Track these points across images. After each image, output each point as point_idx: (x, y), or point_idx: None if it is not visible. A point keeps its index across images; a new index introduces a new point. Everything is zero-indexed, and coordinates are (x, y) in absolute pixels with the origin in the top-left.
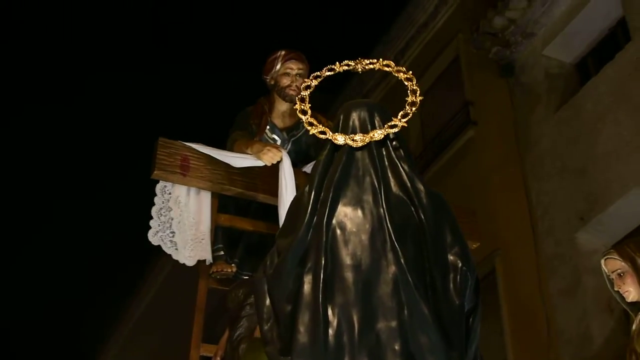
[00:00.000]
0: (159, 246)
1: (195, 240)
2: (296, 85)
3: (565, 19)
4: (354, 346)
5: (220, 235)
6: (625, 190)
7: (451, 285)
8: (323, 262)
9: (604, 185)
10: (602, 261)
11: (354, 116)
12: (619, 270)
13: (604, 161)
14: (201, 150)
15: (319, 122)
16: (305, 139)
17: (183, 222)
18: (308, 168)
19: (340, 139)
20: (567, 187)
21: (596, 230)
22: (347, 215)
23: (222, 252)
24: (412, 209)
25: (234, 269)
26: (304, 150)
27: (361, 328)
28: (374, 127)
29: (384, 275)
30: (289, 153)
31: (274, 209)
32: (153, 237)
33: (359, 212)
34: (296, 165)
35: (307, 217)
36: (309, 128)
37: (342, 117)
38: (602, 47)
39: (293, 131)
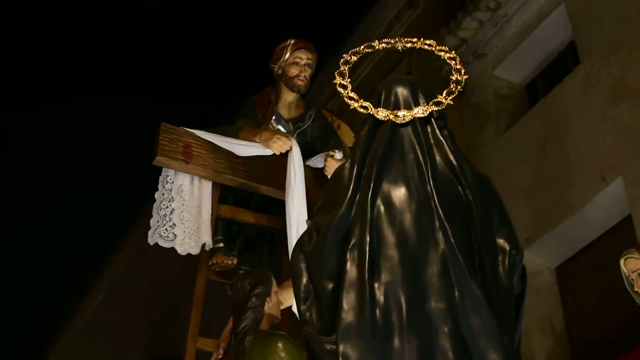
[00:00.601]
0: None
1: (199, 228)
2: (304, 76)
3: (516, 40)
4: (403, 326)
5: (220, 227)
6: (570, 212)
7: (500, 269)
8: (368, 239)
9: (549, 206)
10: (622, 261)
11: (396, 92)
12: (639, 270)
13: (550, 182)
14: (204, 137)
15: (324, 117)
16: (311, 131)
17: (187, 210)
18: (312, 162)
19: (382, 114)
20: (513, 207)
21: (541, 252)
22: (392, 192)
23: (221, 244)
24: (460, 188)
25: (234, 261)
26: (308, 142)
27: (409, 308)
28: (417, 104)
29: (432, 255)
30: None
31: (276, 204)
32: (151, 237)
33: (404, 190)
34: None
35: (349, 193)
36: (349, 102)
37: (383, 92)
38: (552, 69)
39: (299, 123)
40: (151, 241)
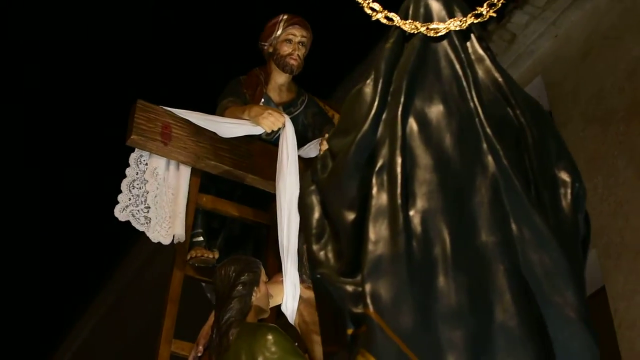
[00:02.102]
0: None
1: (174, 216)
2: (298, 55)
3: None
4: (447, 262)
5: (200, 220)
6: None
7: (562, 202)
8: (400, 160)
9: None
10: None
11: (427, 4)
12: None
13: None
14: (185, 117)
15: (318, 104)
16: (303, 118)
17: (160, 196)
18: (304, 151)
19: (410, 26)
20: None
21: None
22: (427, 108)
23: (201, 238)
24: (509, 109)
25: (216, 256)
26: (299, 130)
27: (454, 241)
28: (452, 17)
29: (480, 180)
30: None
31: (262, 198)
32: (121, 213)
33: (441, 106)
34: None
35: (374, 110)
36: (371, 14)
37: (412, 5)
38: None
39: (290, 108)
40: (121, 218)
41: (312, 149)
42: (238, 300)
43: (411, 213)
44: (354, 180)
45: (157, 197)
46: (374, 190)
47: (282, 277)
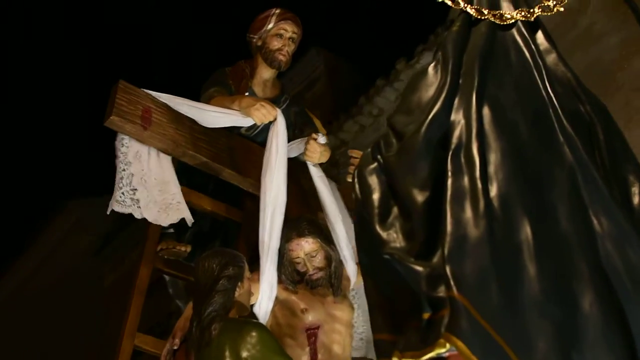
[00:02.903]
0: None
1: (163, 202)
2: (287, 51)
3: None
4: (530, 250)
5: None
6: None
7: (634, 202)
8: (477, 145)
9: None
10: None
11: None
12: None
13: None
14: (168, 102)
15: (303, 108)
16: (287, 116)
17: (145, 179)
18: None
19: (475, 12)
20: None
21: None
22: (500, 95)
23: (172, 230)
24: (580, 104)
25: (188, 249)
26: None
27: (535, 229)
28: (517, 7)
29: (557, 170)
30: (262, 131)
31: (233, 195)
32: (118, 192)
33: (514, 94)
34: None
35: (445, 91)
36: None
37: None
38: None
39: (274, 104)
40: (110, 206)
41: (295, 148)
42: (222, 295)
43: (491, 197)
44: (426, 160)
45: (142, 178)
46: (451, 172)
47: (258, 275)
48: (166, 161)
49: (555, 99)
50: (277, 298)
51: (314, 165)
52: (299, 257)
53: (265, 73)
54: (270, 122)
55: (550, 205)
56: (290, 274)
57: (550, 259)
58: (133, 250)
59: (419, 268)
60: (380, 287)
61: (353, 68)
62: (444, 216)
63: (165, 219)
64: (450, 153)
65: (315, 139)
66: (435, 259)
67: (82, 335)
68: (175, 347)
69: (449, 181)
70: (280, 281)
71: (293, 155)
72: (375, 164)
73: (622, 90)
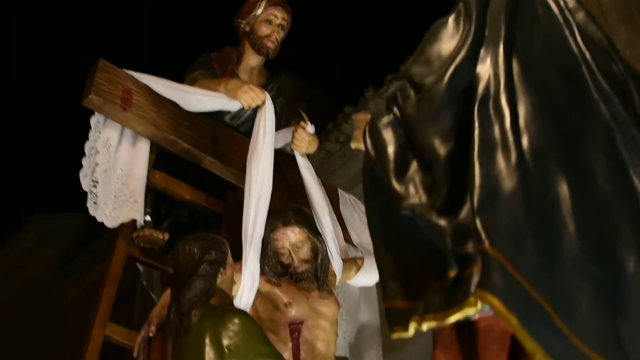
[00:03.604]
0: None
1: (121, 197)
2: (276, 37)
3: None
4: (567, 206)
5: (149, 199)
6: None
7: None
8: (505, 97)
9: None
10: None
11: None
12: None
13: None
14: (149, 83)
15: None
16: (274, 105)
17: (109, 172)
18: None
19: None
20: None
21: None
22: (529, 49)
23: (149, 218)
24: (613, 64)
25: (166, 237)
26: None
27: (572, 186)
28: None
29: (593, 126)
30: (246, 121)
31: (214, 185)
32: (83, 179)
33: (543, 49)
34: None
35: (469, 41)
36: None
37: None
38: None
39: None
40: (83, 184)
41: (282, 138)
42: (203, 280)
43: (523, 149)
44: (449, 110)
45: (105, 172)
46: (478, 124)
47: (240, 266)
48: (142, 148)
49: (589, 56)
50: (259, 291)
51: (301, 155)
52: (284, 248)
53: (252, 60)
54: (256, 111)
55: (587, 163)
56: (274, 266)
57: (590, 217)
58: (97, 265)
59: (444, 222)
60: (394, 251)
61: (321, 94)
62: (471, 168)
63: (114, 220)
64: (476, 104)
65: (303, 128)
66: (463, 214)
67: (43, 349)
68: (151, 335)
69: (477, 132)
70: (262, 273)
71: (279, 145)
72: (391, 117)
73: None
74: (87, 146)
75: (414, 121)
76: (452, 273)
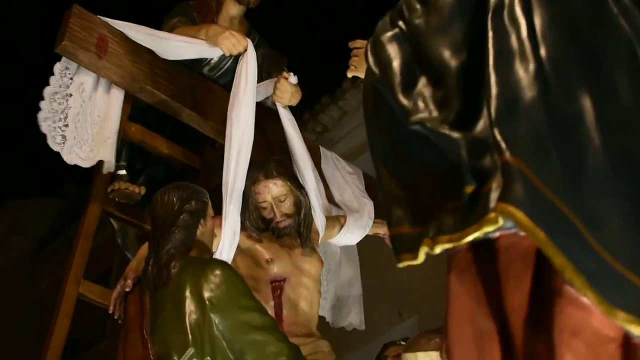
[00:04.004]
0: None
1: (98, 139)
2: None
3: None
4: (590, 119)
5: (124, 152)
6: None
7: None
8: (520, 6)
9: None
10: None
11: None
12: None
13: None
14: (125, 30)
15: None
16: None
17: (84, 115)
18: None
19: None
20: None
21: None
22: None
23: (124, 172)
24: None
25: (142, 192)
26: None
27: (595, 99)
28: None
29: (613, 41)
30: (226, 73)
31: (192, 141)
32: (43, 123)
33: None
34: None
35: None
36: None
37: None
38: None
39: None
40: (43, 128)
41: (261, 91)
42: (182, 230)
43: (542, 59)
44: (460, 21)
45: (79, 115)
46: (493, 33)
47: (220, 220)
48: (117, 97)
49: None
50: (239, 247)
51: (283, 107)
52: (265, 202)
53: (232, 9)
54: (236, 63)
55: (608, 77)
56: (255, 221)
57: (615, 131)
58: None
59: (458, 135)
60: (399, 175)
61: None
62: (487, 79)
63: (90, 160)
64: (490, 14)
65: (286, 78)
66: (479, 128)
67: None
68: (128, 289)
69: (491, 42)
70: (243, 228)
71: (260, 98)
72: (396, 31)
73: None
74: (48, 91)
75: (421, 34)
76: (469, 189)
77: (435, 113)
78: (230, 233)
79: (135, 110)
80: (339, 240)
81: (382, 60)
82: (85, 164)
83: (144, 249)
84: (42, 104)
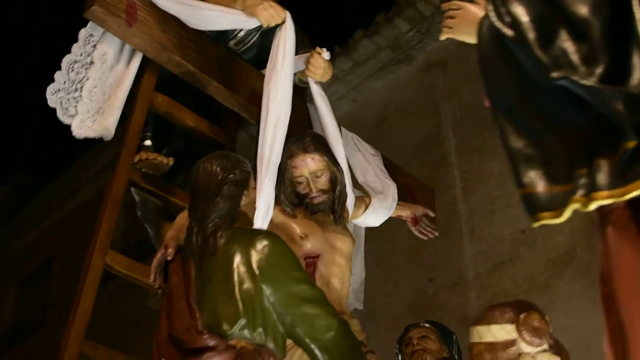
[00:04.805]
0: None
1: (108, 108)
2: None
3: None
4: None
5: (150, 123)
6: None
7: None
8: None
9: None
10: None
11: None
12: None
13: None
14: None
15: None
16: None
17: (101, 87)
18: None
19: None
20: None
21: None
22: None
23: (150, 142)
24: None
25: (171, 162)
26: (269, 48)
27: None
28: None
29: None
30: (252, 48)
31: (215, 115)
32: (52, 96)
33: None
34: (259, 64)
35: None
36: None
37: None
38: None
39: None
40: (51, 101)
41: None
42: (227, 200)
43: None
44: None
45: (96, 87)
46: None
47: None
48: (134, 66)
49: None
50: (272, 221)
51: (315, 83)
52: (302, 176)
53: None
54: (263, 38)
55: None
56: (289, 195)
57: None
58: (18, 241)
59: (612, 90)
60: (528, 131)
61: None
62: (637, 32)
63: (91, 130)
64: None
65: (319, 54)
66: (634, 81)
67: None
68: (169, 258)
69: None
70: (277, 202)
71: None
72: None
73: None
74: (67, 60)
75: None
76: (630, 144)
77: (582, 68)
78: (265, 207)
79: (161, 80)
80: (363, 221)
81: (510, 16)
82: (91, 133)
83: (182, 217)
84: (58, 75)
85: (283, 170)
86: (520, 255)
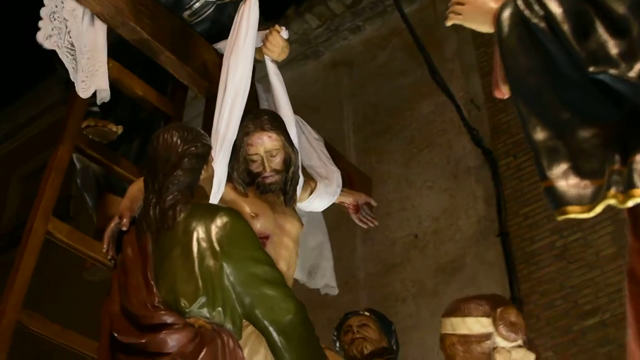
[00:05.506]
0: None
1: (89, 69)
2: None
3: None
4: None
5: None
6: None
7: None
8: None
9: None
10: None
11: None
12: None
13: None
14: None
15: None
16: (233, 10)
17: (79, 45)
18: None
19: None
20: None
21: None
22: None
23: (97, 109)
24: None
25: (119, 131)
26: (224, 23)
27: None
28: None
29: None
30: (205, 20)
31: (161, 85)
32: (45, 40)
33: None
34: (211, 38)
35: None
36: None
37: None
38: None
39: None
40: (47, 45)
41: None
42: (188, 173)
43: None
44: None
45: (76, 38)
46: None
47: None
48: (100, 29)
49: None
50: (222, 198)
51: (271, 61)
52: (257, 154)
53: None
54: (217, 12)
55: None
56: (242, 173)
57: None
58: None
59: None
60: (555, 124)
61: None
62: None
63: (87, 91)
64: None
65: (278, 32)
66: None
67: None
68: (124, 229)
69: None
70: (229, 180)
71: None
72: None
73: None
74: (46, 11)
75: None
76: None
77: (622, 64)
78: (216, 183)
79: (110, 46)
80: (307, 205)
81: (541, 7)
82: (84, 93)
83: (136, 187)
84: (42, 23)
85: (238, 147)
86: (412, 259)
